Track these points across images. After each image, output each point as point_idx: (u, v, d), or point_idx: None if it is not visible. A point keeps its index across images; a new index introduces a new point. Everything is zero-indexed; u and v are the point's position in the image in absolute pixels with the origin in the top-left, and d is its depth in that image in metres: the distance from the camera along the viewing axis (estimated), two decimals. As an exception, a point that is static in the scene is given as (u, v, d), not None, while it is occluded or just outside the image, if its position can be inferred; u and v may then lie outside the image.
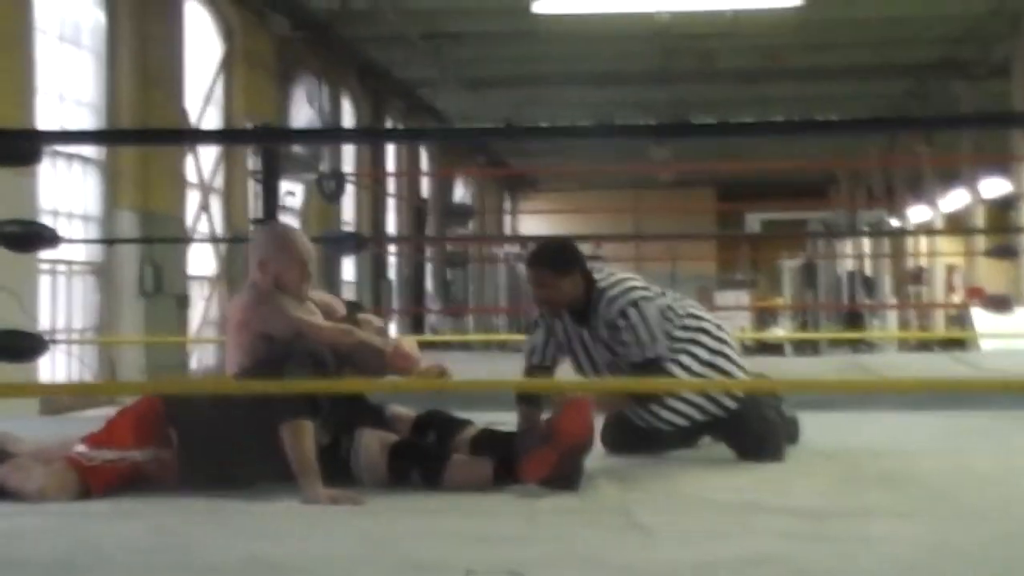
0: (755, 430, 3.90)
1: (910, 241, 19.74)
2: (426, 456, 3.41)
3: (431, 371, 3.67)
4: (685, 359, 3.84)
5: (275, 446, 3.28)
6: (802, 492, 3.33)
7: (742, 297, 18.26)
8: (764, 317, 17.33)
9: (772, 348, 14.15)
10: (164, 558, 2.47)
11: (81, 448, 3.24)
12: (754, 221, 19.63)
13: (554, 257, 3.83)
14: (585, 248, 4.00)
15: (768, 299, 18.01)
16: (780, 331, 14.48)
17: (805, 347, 13.16)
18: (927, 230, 19.01)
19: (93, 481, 3.19)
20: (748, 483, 3.48)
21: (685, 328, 3.88)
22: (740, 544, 2.60)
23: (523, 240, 15.92)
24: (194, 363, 10.19)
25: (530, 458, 3.27)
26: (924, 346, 13.55)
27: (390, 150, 16.50)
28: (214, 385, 3.52)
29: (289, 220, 12.07)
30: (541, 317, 3.97)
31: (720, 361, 3.89)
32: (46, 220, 7.24)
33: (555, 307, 3.85)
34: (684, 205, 20.55)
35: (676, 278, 17.16)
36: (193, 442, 3.30)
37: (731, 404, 3.88)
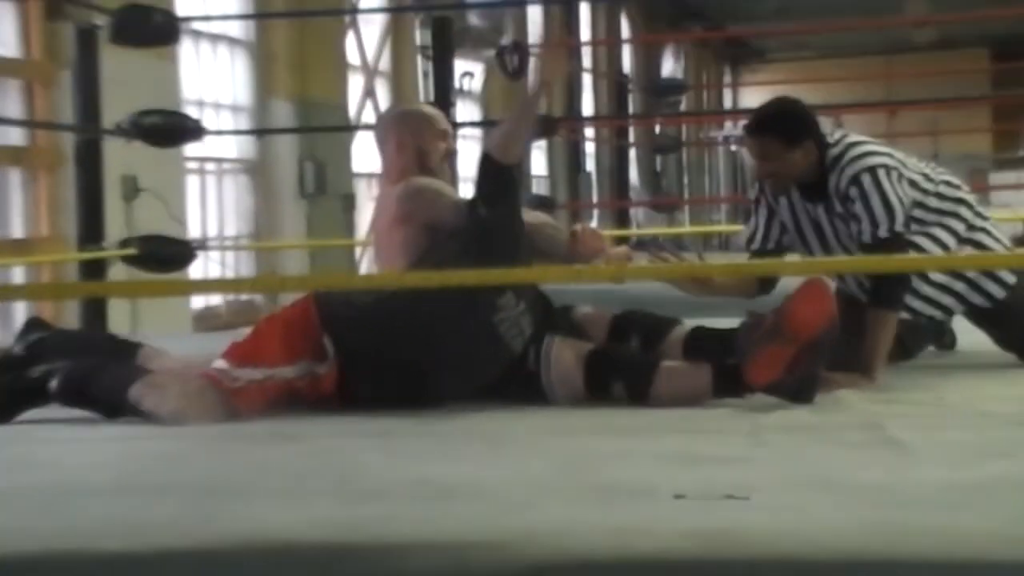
0: None
1: None
2: (630, 365, 3.33)
3: (620, 255, 3.61)
4: (939, 232, 3.66)
5: (452, 352, 3.27)
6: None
7: (1024, 178, 17.49)
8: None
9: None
10: (323, 482, 2.49)
11: (222, 364, 3.24)
12: (1039, 82, 18.64)
13: (783, 124, 3.66)
14: (825, 124, 3.83)
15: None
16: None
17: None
18: None
19: (239, 402, 3.21)
20: (1029, 392, 3.32)
21: (940, 197, 3.70)
22: (1020, 463, 2.47)
23: (747, 117, 15.61)
24: (363, 270, 10.41)
25: (757, 358, 3.14)
26: None
27: (584, 16, 16.33)
28: (388, 280, 3.47)
29: (468, 105, 12.14)
30: (761, 196, 3.85)
31: (982, 237, 3.70)
32: (191, 111, 7.45)
33: (782, 182, 3.71)
34: (949, 67, 19.69)
35: (940, 158, 16.51)
36: (354, 352, 3.28)
37: (998, 292, 3.70)
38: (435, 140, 3.70)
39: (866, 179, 3.56)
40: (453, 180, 3.87)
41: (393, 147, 3.70)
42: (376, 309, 3.31)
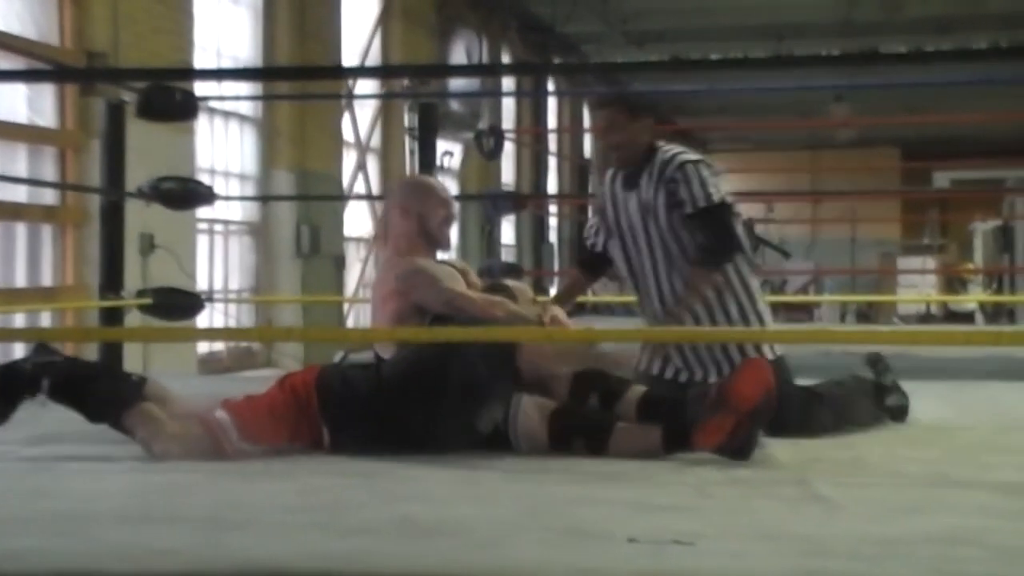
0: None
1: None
2: (590, 424, 3.30)
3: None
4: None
5: (432, 442, 3.24)
6: (1002, 466, 3.14)
7: (928, 263, 17.65)
8: (953, 285, 16.72)
9: (962, 318, 13.63)
10: (312, 518, 2.45)
11: (225, 419, 3.17)
12: (943, 180, 18.86)
13: (628, 100, 3.83)
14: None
15: (958, 265, 17.35)
16: (971, 297, 13.92)
17: (999, 316, 12.60)
18: None
19: (228, 457, 3.13)
20: (941, 455, 3.31)
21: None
22: (932, 519, 2.46)
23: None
24: (351, 323, 10.35)
25: (704, 425, 3.14)
26: None
27: (551, 107, 16.43)
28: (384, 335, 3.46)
29: (447, 181, 12.16)
30: (600, 190, 3.98)
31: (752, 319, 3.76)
32: (203, 179, 7.41)
33: (624, 155, 3.80)
34: (865, 164, 19.89)
35: (856, 243, 16.65)
36: (346, 440, 3.24)
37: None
38: (436, 207, 3.64)
39: (690, 168, 3.71)
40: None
41: (397, 213, 3.65)
42: (372, 405, 3.25)
